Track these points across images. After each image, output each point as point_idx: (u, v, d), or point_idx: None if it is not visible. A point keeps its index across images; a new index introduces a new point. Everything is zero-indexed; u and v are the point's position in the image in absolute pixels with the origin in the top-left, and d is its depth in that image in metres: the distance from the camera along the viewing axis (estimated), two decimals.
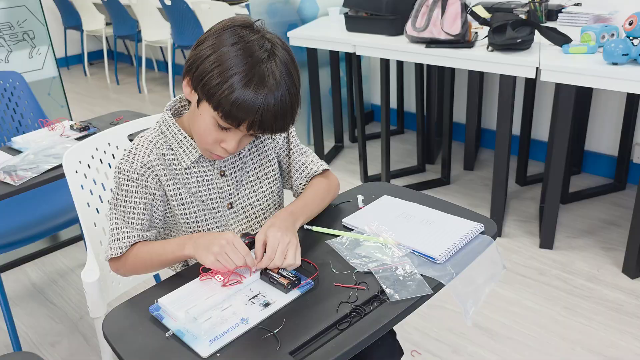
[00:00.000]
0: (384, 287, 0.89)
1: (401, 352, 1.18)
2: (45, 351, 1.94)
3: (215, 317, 0.84)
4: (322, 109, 3.26)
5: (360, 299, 0.88)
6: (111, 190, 1.34)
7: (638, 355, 1.73)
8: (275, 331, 0.82)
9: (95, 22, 5.31)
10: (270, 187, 1.19)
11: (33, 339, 2.00)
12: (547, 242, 2.30)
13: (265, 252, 0.96)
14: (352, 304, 0.86)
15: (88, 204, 1.27)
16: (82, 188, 1.26)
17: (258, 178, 1.18)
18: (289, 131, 1.21)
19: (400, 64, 3.30)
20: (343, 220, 1.11)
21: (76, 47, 6.04)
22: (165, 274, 1.12)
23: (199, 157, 1.10)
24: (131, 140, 1.36)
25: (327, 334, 0.82)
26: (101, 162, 1.31)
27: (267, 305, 0.88)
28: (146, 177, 1.06)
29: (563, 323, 1.89)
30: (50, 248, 2.51)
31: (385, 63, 2.60)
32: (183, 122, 1.12)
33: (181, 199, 1.11)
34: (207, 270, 0.95)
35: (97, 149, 1.30)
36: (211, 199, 1.13)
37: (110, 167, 1.33)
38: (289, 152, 1.21)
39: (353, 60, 2.78)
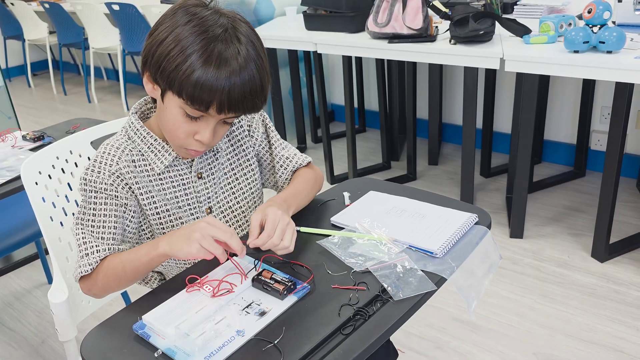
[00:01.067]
0: (385, 285, 0.84)
1: (396, 354, 1.14)
2: None
3: (209, 331, 0.78)
4: (284, 110, 3.21)
5: (361, 300, 0.83)
6: (76, 202, 1.24)
7: (616, 337, 1.75)
8: (275, 341, 0.76)
9: (37, 30, 5.06)
10: (251, 189, 1.14)
11: None
12: (517, 231, 2.32)
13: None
14: (354, 306, 0.81)
15: (51, 217, 1.17)
16: (44, 201, 1.16)
17: (237, 179, 1.12)
18: (268, 126, 1.16)
19: (359, 62, 3.28)
20: (331, 218, 1.06)
21: (18, 58, 5.75)
22: (137, 293, 1.00)
23: (173, 160, 1.03)
24: (95, 147, 1.27)
25: (331, 340, 0.76)
26: (63, 172, 1.21)
27: (263, 314, 0.81)
28: (115, 187, 0.98)
29: (540, 310, 1.90)
30: (2, 270, 2.35)
31: (347, 61, 2.57)
32: (151, 125, 1.04)
33: (156, 207, 1.03)
34: (193, 280, 0.88)
35: (57, 157, 1.20)
36: (189, 205, 1.06)
37: (74, 177, 1.23)
38: (270, 148, 1.15)
39: (314, 59, 2.74)
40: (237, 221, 1.13)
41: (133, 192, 1.00)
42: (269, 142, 1.15)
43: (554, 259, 2.18)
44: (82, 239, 0.97)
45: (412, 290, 0.83)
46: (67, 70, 5.83)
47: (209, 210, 1.08)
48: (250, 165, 1.13)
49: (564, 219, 2.45)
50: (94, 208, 0.97)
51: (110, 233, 0.97)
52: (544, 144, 2.97)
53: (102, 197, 0.97)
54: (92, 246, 0.96)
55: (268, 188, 1.22)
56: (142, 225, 1.05)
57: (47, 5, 4.64)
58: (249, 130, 1.13)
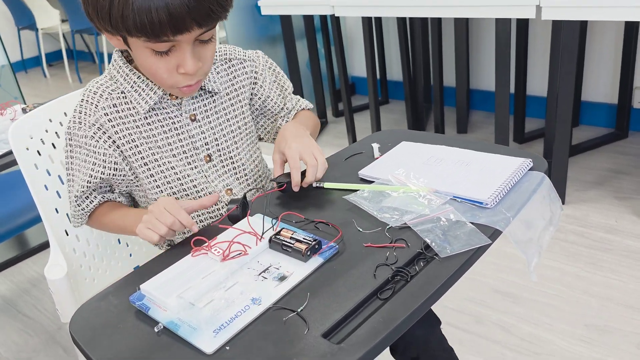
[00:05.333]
0: (428, 241, 0.70)
1: (439, 321, 1.01)
2: None
3: (218, 300, 0.64)
4: (302, 84, 3.06)
5: (400, 259, 0.69)
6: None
7: None
8: (299, 310, 0.63)
9: (49, 19, 4.99)
10: (251, 138, 1.04)
11: (5, 357, 1.77)
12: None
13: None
14: (392, 266, 0.67)
15: (46, 186, 1.05)
16: (37, 168, 1.04)
17: (239, 127, 1.01)
18: (277, 72, 1.07)
19: (379, 31, 3.11)
20: (359, 172, 0.91)
21: (33, 49, 5.70)
22: (148, 256, 0.91)
23: (160, 99, 0.91)
24: None
25: (367, 306, 0.63)
26: (57, 136, 1.09)
27: (283, 278, 0.68)
28: (97, 140, 0.90)
29: (589, 279, 1.74)
30: (19, 256, 2.27)
31: (367, 24, 2.40)
32: (138, 65, 0.92)
33: (142, 157, 0.93)
34: (200, 243, 0.75)
35: (51, 120, 1.07)
36: (184, 151, 0.95)
37: None
38: (282, 95, 1.07)
39: (333, 25, 2.58)
40: (236, 173, 1.01)
41: (115, 143, 0.92)
42: (281, 89, 1.07)
43: (600, 224, 2.00)
44: (71, 186, 0.94)
45: (461, 245, 0.68)
46: (81, 59, 5.77)
47: (208, 158, 0.97)
48: (248, 115, 1.03)
49: (607, 182, 2.26)
50: (78, 164, 0.93)
51: (94, 183, 0.92)
52: (581, 105, 2.77)
53: (83, 153, 0.92)
54: (80, 197, 0.93)
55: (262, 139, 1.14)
56: (134, 184, 0.96)
57: None
58: (254, 78, 1.03)
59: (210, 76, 0.96)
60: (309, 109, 1.13)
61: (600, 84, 2.71)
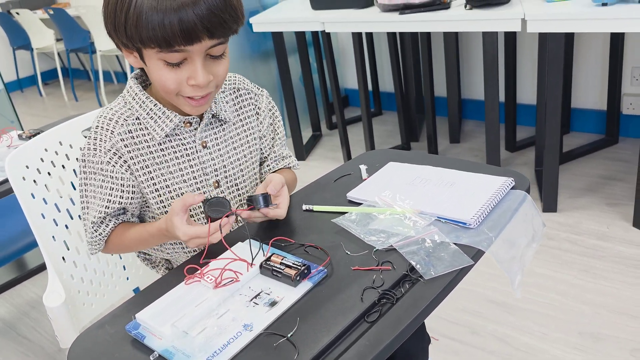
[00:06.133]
0: (413, 263, 0.73)
1: (429, 339, 1.03)
2: None
3: (211, 328, 0.67)
4: (295, 98, 3.10)
5: (387, 281, 0.71)
6: (71, 200, 1.15)
7: None
8: (289, 335, 0.65)
9: (44, 38, 5.03)
10: (254, 167, 1.06)
11: None
12: (550, 205, 2.17)
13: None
14: (378, 289, 0.70)
15: (42, 215, 1.08)
16: (33, 197, 1.07)
17: (244, 155, 1.03)
18: (277, 118, 1.09)
19: (370, 42, 3.15)
20: (347, 194, 0.94)
21: (28, 68, 5.74)
22: (144, 278, 0.93)
23: (175, 127, 0.94)
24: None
25: (354, 330, 0.65)
26: (53, 165, 1.11)
27: (273, 304, 0.70)
28: (113, 165, 0.92)
29: (582, 287, 1.76)
30: (17, 279, 2.28)
31: (358, 39, 2.44)
32: (152, 92, 0.96)
33: (154, 183, 0.95)
34: (193, 271, 0.77)
35: (46, 150, 1.10)
36: (194, 177, 0.97)
37: (65, 170, 1.13)
38: (273, 139, 1.09)
39: (323, 41, 2.62)
40: (241, 200, 1.03)
41: (130, 168, 0.94)
42: (274, 133, 1.09)
43: (592, 231, 2.03)
44: (86, 214, 0.96)
45: (445, 266, 0.71)
46: (77, 77, 5.80)
47: (216, 184, 0.99)
48: (255, 145, 1.05)
49: (599, 188, 2.29)
50: (93, 190, 0.94)
51: (112, 208, 0.94)
52: (571, 112, 2.80)
53: (99, 179, 0.93)
54: (97, 222, 0.95)
55: None
56: (143, 205, 0.99)
57: (51, 12, 4.60)
58: (257, 113, 1.06)
59: (221, 105, 0.99)
60: (294, 169, 1.15)
61: (590, 91, 2.75)
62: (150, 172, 0.95)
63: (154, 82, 0.90)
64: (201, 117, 0.97)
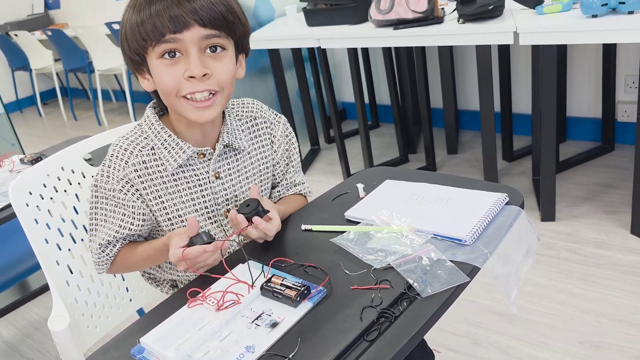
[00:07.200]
0: (410, 281, 0.74)
1: (432, 355, 1.04)
2: None
3: (214, 350, 0.68)
4: (293, 113, 3.13)
5: (385, 300, 0.73)
6: (73, 222, 1.17)
7: None
8: (291, 355, 0.67)
9: (43, 59, 5.07)
10: (266, 195, 1.08)
11: None
12: (548, 214, 2.19)
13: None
14: (377, 308, 0.71)
15: (46, 240, 1.09)
16: (37, 223, 1.08)
17: (255, 182, 1.05)
18: (293, 145, 1.10)
19: (366, 56, 3.18)
20: (345, 213, 0.96)
21: (27, 89, 5.78)
22: (147, 299, 0.95)
23: (188, 159, 0.95)
24: (89, 160, 1.20)
25: (354, 349, 0.66)
26: (56, 191, 1.13)
27: (274, 325, 0.72)
28: (125, 193, 0.94)
29: (582, 296, 1.77)
30: (20, 300, 2.28)
31: (353, 54, 2.47)
32: (168, 122, 0.98)
33: (167, 213, 0.97)
34: (195, 294, 0.79)
35: (48, 175, 1.12)
36: (206, 207, 0.99)
37: (67, 195, 1.15)
38: (287, 165, 1.10)
39: (319, 57, 2.65)
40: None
41: (142, 197, 0.96)
42: (289, 160, 1.10)
43: (591, 239, 2.04)
44: (94, 235, 0.98)
45: (441, 284, 0.72)
46: (76, 96, 5.83)
47: (227, 214, 1.01)
48: (267, 174, 1.07)
49: (596, 196, 2.31)
50: (104, 214, 0.96)
51: (122, 234, 0.96)
52: (567, 121, 2.83)
53: (111, 205, 0.95)
54: (104, 244, 0.97)
55: None
56: (154, 231, 1.01)
57: (49, 33, 4.64)
58: (272, 141, 1.07)
59: (236, 134, 1.00)
60: (307, 195, 1.15)
61: (584, 99, 2.77)
62: (163, 202, 0.96)
63: (159, 90, 0.91)
64: (214, 148, 0.98)
